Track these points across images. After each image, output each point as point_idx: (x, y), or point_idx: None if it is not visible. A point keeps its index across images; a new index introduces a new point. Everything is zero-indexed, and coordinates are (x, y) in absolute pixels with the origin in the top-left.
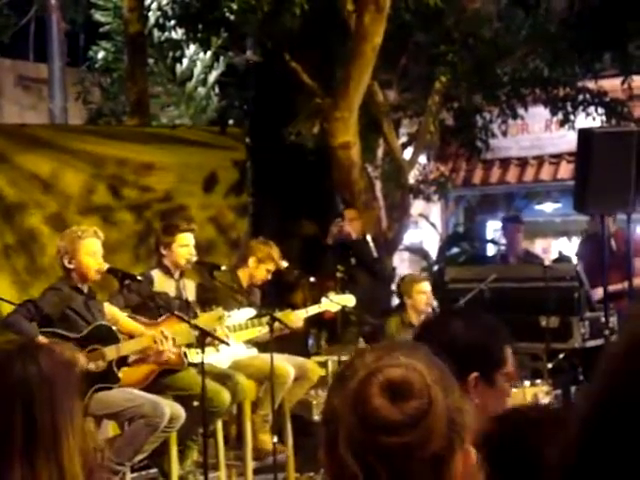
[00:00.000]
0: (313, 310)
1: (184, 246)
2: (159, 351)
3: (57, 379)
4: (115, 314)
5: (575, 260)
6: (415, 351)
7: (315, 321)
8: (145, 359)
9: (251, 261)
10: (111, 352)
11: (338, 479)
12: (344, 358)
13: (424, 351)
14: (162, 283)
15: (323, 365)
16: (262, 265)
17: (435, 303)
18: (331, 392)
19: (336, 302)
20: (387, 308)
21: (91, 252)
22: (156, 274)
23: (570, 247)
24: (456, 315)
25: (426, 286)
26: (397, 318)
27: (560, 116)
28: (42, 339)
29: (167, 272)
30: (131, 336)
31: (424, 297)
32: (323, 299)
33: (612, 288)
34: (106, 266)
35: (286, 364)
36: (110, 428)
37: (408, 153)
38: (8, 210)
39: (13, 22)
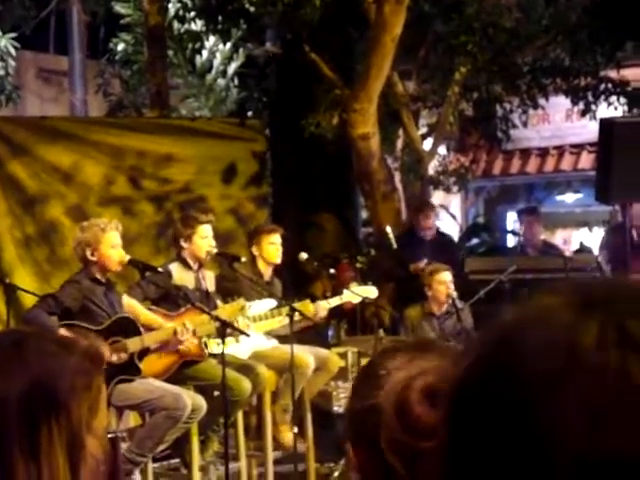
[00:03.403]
0: (335, 302)
1: (204, 238)
2: (178, 342)
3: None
4: (134, 307)
5: (596, 251)
6: (447, 352)
7: (335, 312)
8: (163, 348)
9: (254, 250)
10: (134, 344)
11: (371, 472)
12: (364, 349)
13: (455, 352)
14: (181, 276)
15: (343, 356)
16: (261, 246)
17: (455, 294)
18: (361, 389)
19: (358, 293)
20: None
21: (114, 244)
22: (175, 267)
23: (591, 238)
24: None
25: (446, 276)
26: (418, 308)
27: (581, 106)
28: (64, 331)
29: (186, 265)
30: (149, 328)
31: (444, 287)
32: (345, 290)
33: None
34: (127, 258)
35: (306, 354)
36: (131, 418)
37: (428, 144)
38: (29, 201)
39: (34, 15)
